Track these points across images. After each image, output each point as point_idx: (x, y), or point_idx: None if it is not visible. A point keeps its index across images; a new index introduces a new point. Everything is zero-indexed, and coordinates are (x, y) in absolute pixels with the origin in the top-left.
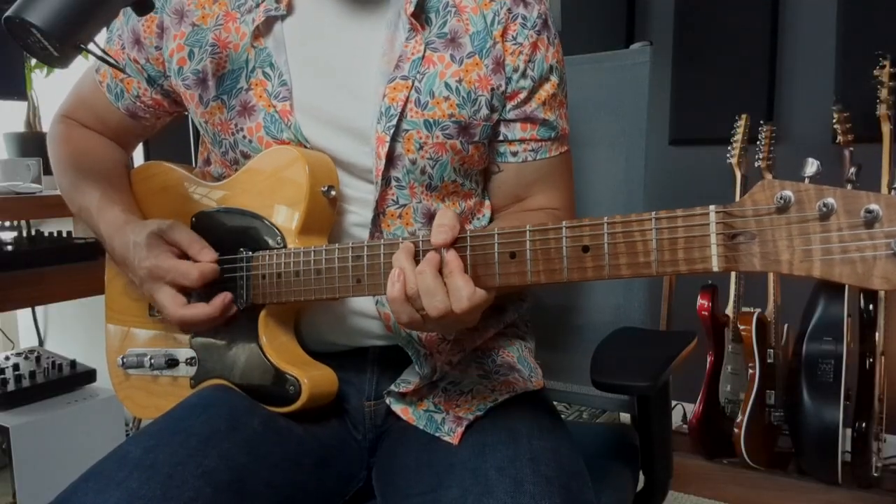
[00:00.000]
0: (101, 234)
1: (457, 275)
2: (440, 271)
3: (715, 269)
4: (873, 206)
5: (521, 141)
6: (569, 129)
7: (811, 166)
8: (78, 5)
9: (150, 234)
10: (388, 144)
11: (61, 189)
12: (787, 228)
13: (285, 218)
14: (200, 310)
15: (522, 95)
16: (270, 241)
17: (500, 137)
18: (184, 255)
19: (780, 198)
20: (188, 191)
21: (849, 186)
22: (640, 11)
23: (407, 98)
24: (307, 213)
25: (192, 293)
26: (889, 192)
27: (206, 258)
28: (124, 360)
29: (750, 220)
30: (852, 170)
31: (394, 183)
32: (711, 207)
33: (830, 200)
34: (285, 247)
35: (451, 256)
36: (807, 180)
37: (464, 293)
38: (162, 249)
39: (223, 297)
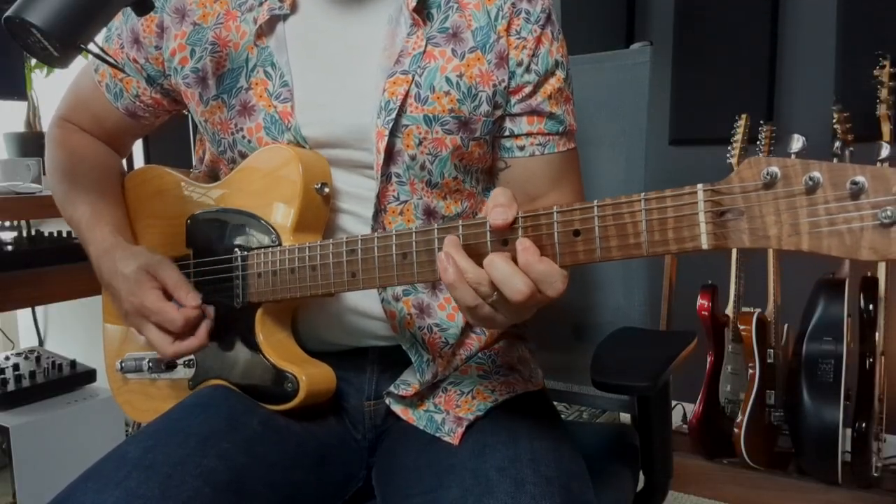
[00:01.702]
0: (89, 251)
1: (538, 259)
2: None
3: (704, 247)
4: (859, 178)
5: (528, 135)
6: (576, 125)
7: (797, 142)
8: (78, 5)
9: (138, 270)
10: (386, 139)
11: (54, 196)
12: (774, 203)
13: (280, 216)
14: (189, 344)
15: (527, 89)
16: (265, 240)
17: (507, 132)
18: (169, 294)
19: (767, 174)
20: (182, 194)
21: (834, 160)
22: (640, 11)
23: (407, 92)
24: (301, 210)
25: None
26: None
27: (191, 303)
28: (122, 364)
29: (738, 196)
30: (837, 144)
31: (394, 179)
32: (699, 186)
33: (816, 174)
34: (280, 245)
35: (526, 244)
36: (793, 156)
37: (555, 276)
38: (148, 287)
39: (206, 326)
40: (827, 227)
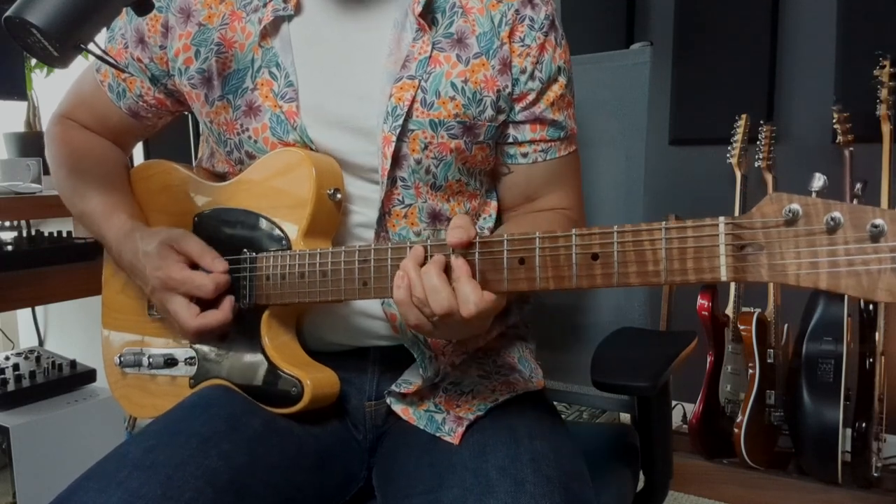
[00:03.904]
0: (106, 240)
1: (464, 280)
2: (449, 277)
3: (723, 279)
4: (879, 221)
5: (531, 142)
6: (576, 128)
7: (818, 181)
8: (78, 5)
9: (161, 244)
10: (394, 144)
11: (60, 192)
12: (794, 241)
13: (290, 220)
14: (214, 316)
15: (531, 97)
16: (275, 243)
17: (510, 139)
18: (193, 265)
19: (789, 211)
20: (190, 190)
21: (854, 201)
22: (640, 11)
23: (413, 98)
24: (313, 215)
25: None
26: (889, 197)
27: (219, 268)
28: (121, 358)
29: (758, 231)
30: (858, 185)
31: (399, 183)
32: (721, 219)
33: (837, 215)
34: (290, 249)
35: (459, 263)
36: (814, 194)
37: (471, 298)
38: (173, 260)
39: (230, 300)
40: (845, 268)
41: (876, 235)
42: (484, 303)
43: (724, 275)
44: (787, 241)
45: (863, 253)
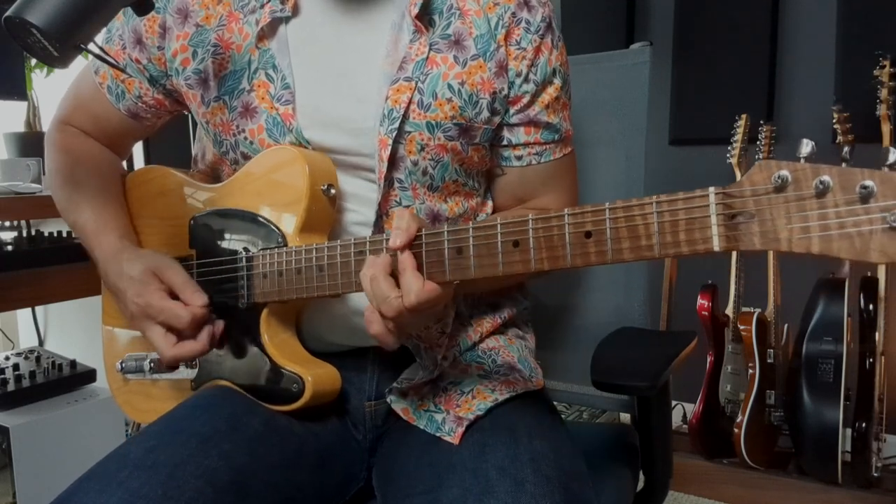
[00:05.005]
0: (94, 256)
1: (408, 272)
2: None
3: (716, 248)
4: (868, 182)
5: (525, 145)
6: (572, 130)
7: (806, 147)
8: (78, 5)
9: (145, 271)
10: (390, 147)
11: (56, 199)
12: (784, 207)
13: (285, 217)
14: (191, 347)
15: (525, 100)
16: (271, 241)
17: (504, 142)
18: (175, 295)
19: (778, 177)
20: (186, 194)
21: (843, 165)
22: (640, 11)
23: (410, 100)
24: (307, 211)
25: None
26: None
27: (197, 302)
28: (123, 365)
29: (748, 200)
30: (846, 149)
31: (396, 184)
32: (711, 189)
33: (826, 178)
34: (286, 245)
35: (403, 257)
36: (802, 160)
37: (413, 288)
38: (154, 287)
39: (208, 331)
40: (837, 231)
41: (865, 196)
42: (426, 293)
43: (716, 244)
44: (778, 208)
45: (853, 215)
